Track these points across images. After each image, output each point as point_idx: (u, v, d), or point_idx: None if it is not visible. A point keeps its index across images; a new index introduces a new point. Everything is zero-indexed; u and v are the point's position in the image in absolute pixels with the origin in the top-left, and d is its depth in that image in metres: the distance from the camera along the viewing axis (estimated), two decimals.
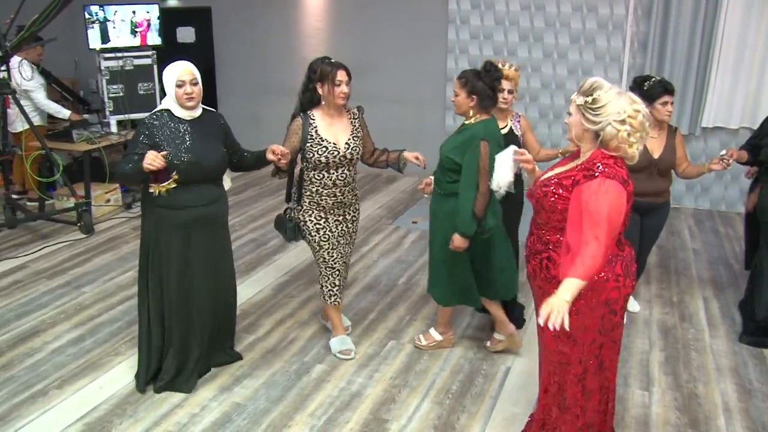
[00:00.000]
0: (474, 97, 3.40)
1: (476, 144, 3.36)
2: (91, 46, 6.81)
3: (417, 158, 3.76)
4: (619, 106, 2.41)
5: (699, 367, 3.80)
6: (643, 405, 3.47)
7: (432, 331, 4.02)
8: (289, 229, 3.79)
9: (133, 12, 6.92)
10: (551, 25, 6.70)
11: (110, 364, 3.84)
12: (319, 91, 3.55)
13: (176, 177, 3.22)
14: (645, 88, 3.84)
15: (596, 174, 2.44)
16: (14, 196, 6.38)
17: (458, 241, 3.45)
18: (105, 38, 6.86)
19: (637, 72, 6.49)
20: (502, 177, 2.93)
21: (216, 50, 8.61)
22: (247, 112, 8.05)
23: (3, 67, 5.67)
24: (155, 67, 6.99)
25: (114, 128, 6.81)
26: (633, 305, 4.51)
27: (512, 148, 2.93)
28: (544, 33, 6.74)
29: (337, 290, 3.87)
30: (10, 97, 5.74)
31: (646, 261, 4.51)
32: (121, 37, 6.91)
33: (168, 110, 3.31)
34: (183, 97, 3.24)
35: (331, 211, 3.75)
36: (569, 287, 2.31)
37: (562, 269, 2.49)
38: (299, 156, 3.68)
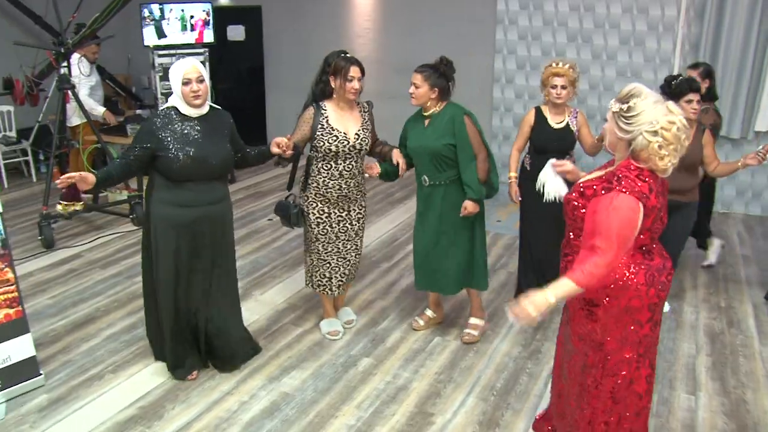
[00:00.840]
0: (436, 89, 3.69)
1: (460, 122, 3.68)
2: (146, 44, 7.02)
3: (397, 163, 3.79)
4: (652, 116, 2.32)
5: (748, 374, 3.77)
6: (689, 409, 3.45)
7: (475, 320, 4.13)
8: (293, 215, 3.84)
9: (182, 10, 7.10)
10: (600, 27, 6.66)
11: (145, 361, 3.92)
12: (332, 84, 3.66)
13: (83, 204, 3.20)
14: (672, 86, 3.89)
15: (614, 186, 2.37)
16: None
17: (471, 206, 3.74)
18: (161, 35, 7.06)
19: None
20: (553, 187, 3.01)
21: (265, 48, 8.77)
22: (295, 110, 8.03)
23: (64, 63, 5.89)
24: (207, 63, 7.17)
25: None
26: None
27: (551, 161, 3.00)
28: (593, 34, 6.70)
29: (326, 281, 3.99)
30: (69, 92, 5.95)
31: (675, 264, 4.34)
32: (175, 35, 7.11)
33: (174, 108, 3.33)
34: (189, 95, 3.24)
35: (336, 205, 3.83)
36: (560, 287, 2.33)
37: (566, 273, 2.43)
38: (308, 145, 3.77)
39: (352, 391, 3.58)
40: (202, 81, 3.26)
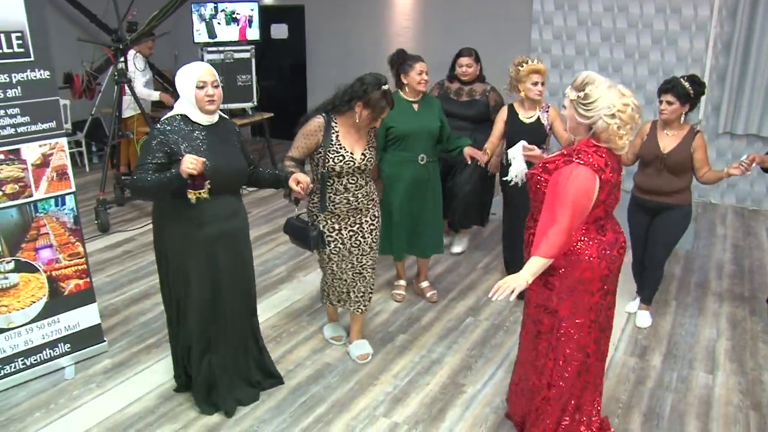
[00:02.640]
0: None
1: (439, 104, 4.34)
2: (196, 41, 7.39)
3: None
4: (609, 101, 2.58)
5: (766, 356, 3.95)
6: (706, 386, 3.66)
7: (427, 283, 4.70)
8: (313, 238, 3.57)
9: (223, 8, 7.46)
10: (633, 26, 6.83)
11: None
12: (357, 110, 3.43)
13: (208, 185, 2.96)
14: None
15: (573, 160, 2.64)
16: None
17: (470, 150, 4.17)
18: (211, 34, 7.43)
19: (719, 74, 6.56)
20: (517, 169, 3.30)
21: (307, 47, 9.10)
22: None
23: (121, 59, 6.29)
24: (253, 60, 7.52)
25: None
26: (632, 306, 4.50)
27: (522, 143, 3.29)
28: (627, 34, 6.88)
29: (345, 296, 3.87)
30: (126, 85, 6.35)
31: (661, 271, 4.34)
32: (221, 32, 7.48)
33: (183, 115, 3.04)
34: (204, 100, 2.98)
35: (346, 220, 3.63)
36: (532, 265, 2.60)
37: (531, 248, 2.69)
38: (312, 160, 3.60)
39: (389, 363, 3.87)
40: (217, 86, 3.02)
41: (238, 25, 7.52)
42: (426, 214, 4.35)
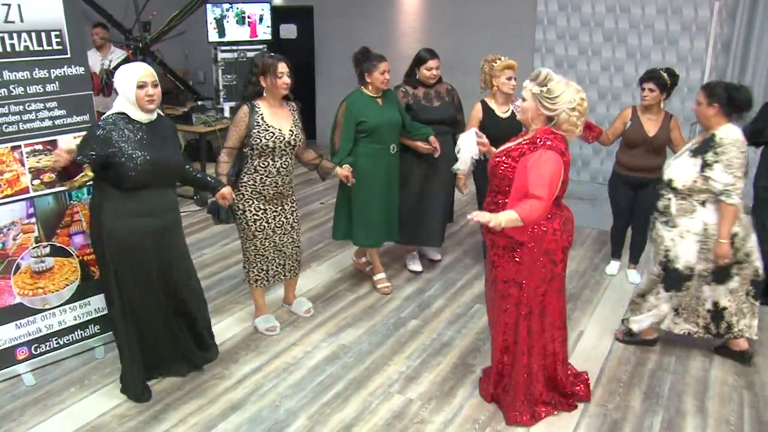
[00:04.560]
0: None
1: (397, 97, 4.62)
2: (210, 40, 7.61)
3: (347, 177, 4.34)
4: (570, 96, 2.93)
5: (762, 342, 4.12)
6: (703, 369, 3.86)
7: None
8: (224, 210, 3.81)
9: (229, 6, 7.68)
10: (635, 27, 7.02)
11: (232, 310, 4.50)
12: (262, 83, 3.75)
13: (88, 171, 3.09)
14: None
15: (539, 146, 2.96)
16: None
17: (433, 140, 4.60)
18: (222, 33, 7.65)
19: (719, 73, 6.75)
20: (465, 156, 3.58)
21: (316, 46, 9.30)
22: None
23: (140, 56, 6.51)
24: None
25: (227, 113, 7.59)
26: (612, 268, 5.14)
27: (473, 130, 3.53)
28: (628, 34, 7.07)
29: (263, 275, 4.10)
30: None
31: (647, 236, 4.43)
32: (232, 32, 7.70)
33: (122, 113, 3.15)
34: (144, 99, 3.10)
35: (271, 202, 3.95)
36: (507, 215, 2.88)
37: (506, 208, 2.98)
38: (244, 144, 3.85)
39: (402, 346, 4.07)
40: (156, 85, 3.15)
41: (247, 24, 7.74)
42: (393, 202, 4.70)
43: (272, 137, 3.76)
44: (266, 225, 3.97)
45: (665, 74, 4.43)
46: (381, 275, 4.86)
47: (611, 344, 4.09)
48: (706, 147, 3.58)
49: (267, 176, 3.86)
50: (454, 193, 5.06)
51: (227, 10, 7.61)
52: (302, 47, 9.35)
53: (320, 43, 9.27)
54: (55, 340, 3.73)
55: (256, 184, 3.87)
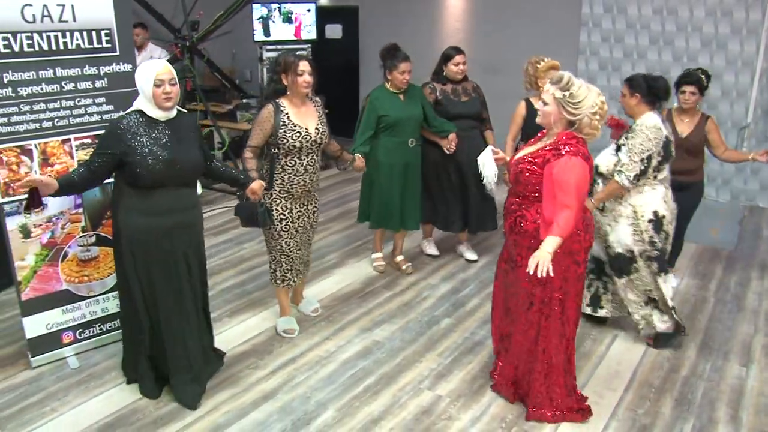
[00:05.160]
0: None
1: (422, 92, 4.81)
2: (255, 39, 7.76)
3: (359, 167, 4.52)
4: (592, 101, 2.96)
5: None
6: (739, 377, 3.80)
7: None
8: (261, 213, 3.78)
9: (278, 6, 7.81)
10: (682, 30, 6.90)
11: (268, 303, 4.59)
12: (284, 81, 3.76)
13: (41, 208, 3.23)
14: (683, 73, 4.48)
15: (563, 153, 2.96)
16: None
17: (453, 137, 4.74)
18: (267, 33, 7.80)
19: None
20: (489, 174, 3.56)
21: (361, 47, 9.39)
22: None
23: (187, 55, 6.69)
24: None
25: None
26: (673, 281, 4.85)
27: (490, 148, 3.54)
28: (675, 37, 6.96)
29: (290, 274, 4.11)
30: (191, 80, 6.75)
31: (682, 238, 4.74)
32: (277, 31, 7.84)
33: (140, 111, 3.14)
34: (161, 97, 3.07)
35: (298, 200, 3.94)
36: (550, 243, 2.89)
37: (542, 233, 3.00)
38: (269, 143, 3.84)
39: (434, 343, 4.11)
40: (174, 83, 3.11)
41: (293, 23, 7.88)
42: (412, 193, 4.89)
43: (299, 137, 3.75)
44: (291, 225, 3.97)
45: (703, 76, 4.40)
46: (378, 254, 5.24)
47: (645, 349, 4.06)
48: (626, 133, 3.91)
49: (295, 175, 3.85)
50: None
51: (273, 10, 7.76)
52: (347, 47, 9.45)
53: (365, 42, 9.35)
54: (99, 326, 3.89)
55: (285, 183, 3.86)
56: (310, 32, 7.98)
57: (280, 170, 3.83)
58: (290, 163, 3.82)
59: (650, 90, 3.82)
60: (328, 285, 4.95)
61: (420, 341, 4.14)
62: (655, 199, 3.86)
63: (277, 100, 3.78)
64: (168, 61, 7.12)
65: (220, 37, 7.62)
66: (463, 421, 3.36)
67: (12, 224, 3.50)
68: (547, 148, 3.05)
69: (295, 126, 3.74)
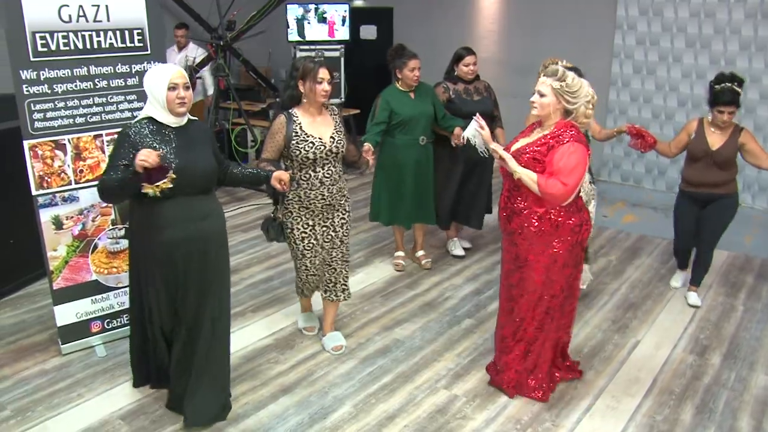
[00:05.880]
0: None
1: (434, 91, 4.92)
2: (289, 39, 7.87)
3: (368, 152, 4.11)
4: (586, 91, 3.15)
5: None
6: (765, 388, 3.72)
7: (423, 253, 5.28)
8: (273, 228, 3.68)
9: (315, 6, 7.90)
10: (720, 32, 6.78)
11: (293, 299, 4.64)
12: (301, 88, 3.55)
13: (173, 175, 2.83)
14: (715, 89, 4.21)
15: (566, 140, 3.12)
16: None
17: (459, 131, 4.68)
18: (301, 33, 7.90)
19: None
20: (480, 143, 3.77)
21: None
22: None
23: (221, 54, 6.83)
24: (342, 59, 7.93)
25: None
26: (676, 280, 4.96)
27: (477, 115, 3.66)
28: (713, 40, 6.84)
29: (312, 288, 4.00)
30: (224, 79, 6.88)
31: (711, 255, 4.63)
32: (314, 32, 7.93)
33: (150, 118, 3.00)
34: (175, 102, 2.94)
35: (319, 216, 3.71)
36: (527, 172, 3.15)
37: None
38: (283, 156, 3.66)
39: (454, 343, 4.13)
40: (188, 88, 2.99)
41: (326, 24, 7.97)
42: (425, 189, 4.96)
43: (312, 147, 3.53)
44: (315, 242, 3.74)
45: (736, 85, 4.15)
46: (399, 253, 5.30)
47: (668, 356, 4.01)
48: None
49: (311, 189, 3.61)
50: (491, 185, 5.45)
51: (310, 10, 7.86)
52: (382, 48, 9.48)
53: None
54: (126, 316, 4.00)
55: (302, 199, 3.64)
56: (342, 32, 8.05)
57: (296, 186, 3.61)
58: (305, 176, 3.60)
59: None
60: (352, 283, 4.95)
61: (440, 341, 4.16)
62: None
63: (290, 110, 3.60)
64: (203, 59, 7.33)
65: (257, 37, 7.73)
66: (478, 421, 3.37)
67: (45, 216, 3.64)
68: (549, 136, 3.18)
69: (308, 136, 3.54)
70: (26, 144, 3.52)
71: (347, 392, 3.60)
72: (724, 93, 4.15)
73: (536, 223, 3.23)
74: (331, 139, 3.62)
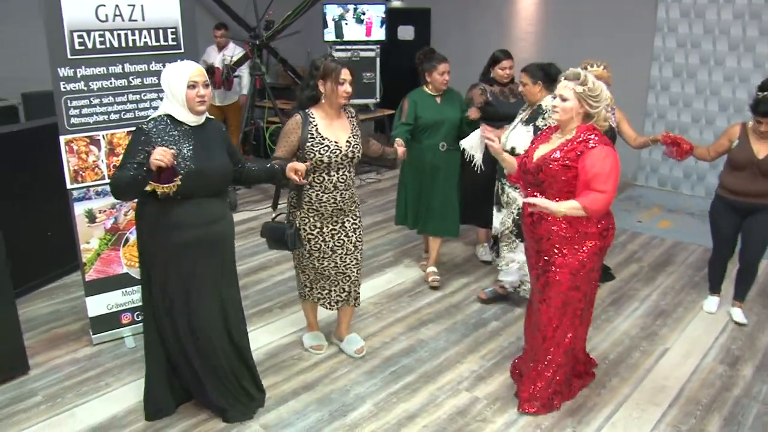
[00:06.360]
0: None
1: (461, 97, 4.86)
2: (326, 39, 7.93)
3: (404, 154, 4.18)
4: (606, 94, 3.11)
5: None
6: None
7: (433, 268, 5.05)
8: (290, 235, 3.54)
9: (355, 7, 7.93)
10: (766, 35, 6.58)
11: None
12: (321, 88, 3.44)
13: (179, 181, 2.81)
14: (758, 96, 3.99)
15: (594, 144, 3.05)
16: None
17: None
18: (339, 34, 7.95)
19: None
20: (469, 144, 3.83)
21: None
22: None
23: (258, 53, 6.93)
24: (378, 60, 7.96)
25: None
26: (710, 305, 4.65)
27: (483, 126, 3.59)
28: (757, 42, 6.65)
29: (326, 294, 3.82)
30: (260, 77, 6.97)
31: (757, 268, 4.41)
32: (351, 32, 7.98)
33: (168, 115, 2.96)
34: (195, 100, 2.90)
35: (329, 220, 3.60)
36: (569, 205, 3.01)
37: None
38: (297, 158, 3.52)
39: (478, 345, 4.12)
40: (207, 86, 2.95)
41: (363, 24, 8.00)
42: (446, 198, 4.82)
43: (327, 151, 3.42)
44: (323, 243, 3.62)
45: None
46: (432, 269, 5.04)
47: (697, 365, 3.93)
48: (536, 116, 4.16)
49: (323, 192, 3.51)
50: None
51: (347, 11, 7.91)
52: (418, 49, 9.46)
53: (436, 44, 9.29)
54: None
55: (313, 202, 3.54)
56: (380, 33, 8.08)
57: (308, 187, 3.51)
58: (318, 179, 3.50)
59: (548, 76, 4.11)
60: (381, 282, 5.02)
61: (464, 342, 4.15)
62: None
63: (307, 110, 3.49)
64: (240, 58, 7.43)
65: (294, 37, 7.82)
66: (497, 424, 3.36)
67: (79, 209, 3.74)
68: (575, 142, 3.12)
69: (323, 139, 3.43)
70: (62, 139, 3.63)
71: (369, 390, 3.62)
72: (765, 102, 3.92)
73: (565, 228, 3.18)
74: (347, 144, 3.51)
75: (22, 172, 4.47)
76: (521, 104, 5.00)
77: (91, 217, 3.78)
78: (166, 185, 2.78)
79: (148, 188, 2.80)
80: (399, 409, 3.46)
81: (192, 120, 2.98)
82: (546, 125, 3.96)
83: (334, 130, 3.49)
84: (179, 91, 2.90)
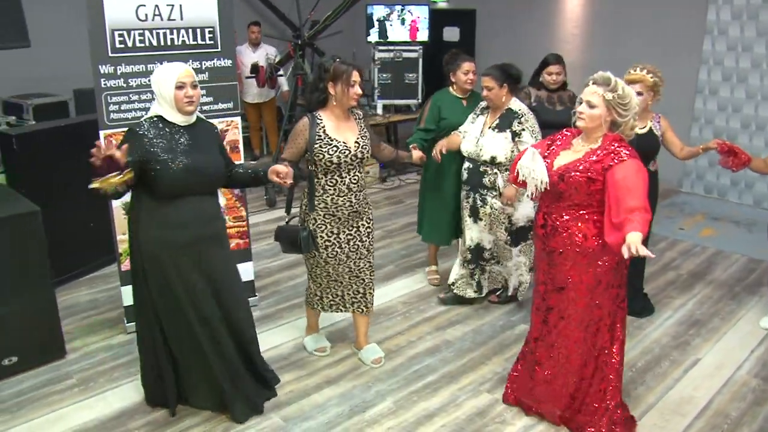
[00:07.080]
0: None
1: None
2: (369, 39, 7.99)
3: (421, 158, 4.01)
4: (636, 101, 2.91)
5: None
6: None
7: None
8: (304, 239, 3.52)
9: (401, 8, 7.97)
10: None
11: None
12: (331, 90, 3.43)
13: (130, 173, 2.75)
14: None
15: (624, 158, 2.84)
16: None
17: None
18: (383, 34, 8.01)
19: None
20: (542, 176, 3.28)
21: (477, 50, 9.38)
22: None
23: (300, 52, 7.04)
24: (420, 60, 7.98)
25: (380, 110, 7.94)
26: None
27: (534, 152, 3.25)
28: None
29: (339, 299, 3.81)
30: (302, 77, 7.08)
31: None
32: (396, 33, 8.03)
33: (158, 116, 3.01)
34: (183, 101, 2.95)
35: (345, 223, 3.58)
36: (638, 237, 2.64)
37: (607, 235, 2.83)
38: (307, 161, 3.54)
39: (504, 348, 4.10)
40: (196, 86, 2.99)
41: (407, 26, 8.05)
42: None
43: (336, 152, 3.41)
44: (339, 250, 3.60)
45: None
46: (432, 267, 5.11)
47: (729, 377, 3.84)
48: (509, 121, 4.11)
49: (338, 195, 3.50)
50: None
51: (393, 12, 7.96)
52: (463, 50, 9.47)
53: (481, 45, 9.35)
54: None
55: (329, 206, 3.51)
56: (423, 35, 8.11)
57: (321, 191, 3.50)
58: (331, 182, 3.49)
59: (512, 78, 4.12)
60: (411, 282, 5.05)
61: (490, 344, 4.14)
62: None
63: (315, 113, 3.49)
64: (282, 58, 7.56)
65: (339, 37, 7.90)
66: (516, 427, 3.35)
67: (117, 202, 3.88)
68: (602, 153, 2.91)
69: (332, 140, 3.43)
70: (102, 134, 3.77)
71: (390, 388, 3.66)
72: None
73: (580, 242, 2.99)
74: (356, 144, 3.50)
75: (69, 165, 4.64)
76: (568, 113, 4.79)
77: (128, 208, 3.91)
78: (102, 179, 2.66)
79: (93, 186, 2.69)
80: (418, 408, 3.49)
81: (181, 120, 3.04)
82: (523, 129, 4.07)
83: (342, 131, 3.49)
84: (167, 92, 2.95)
